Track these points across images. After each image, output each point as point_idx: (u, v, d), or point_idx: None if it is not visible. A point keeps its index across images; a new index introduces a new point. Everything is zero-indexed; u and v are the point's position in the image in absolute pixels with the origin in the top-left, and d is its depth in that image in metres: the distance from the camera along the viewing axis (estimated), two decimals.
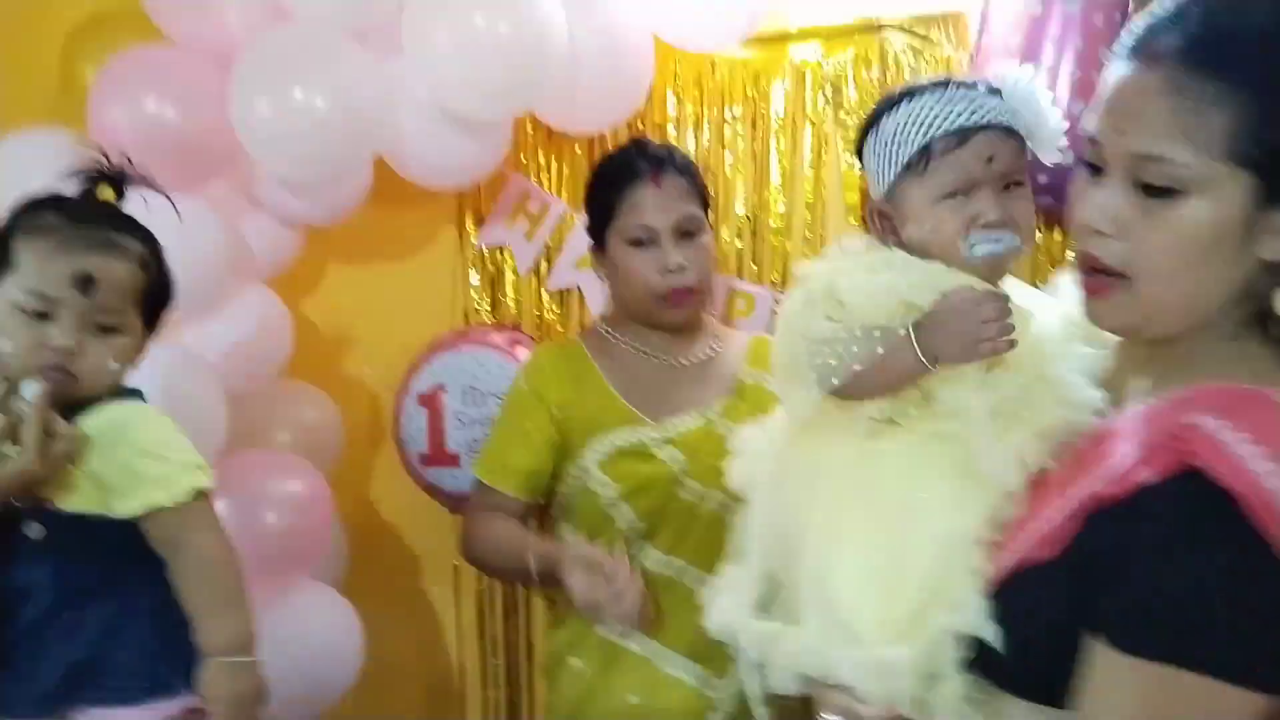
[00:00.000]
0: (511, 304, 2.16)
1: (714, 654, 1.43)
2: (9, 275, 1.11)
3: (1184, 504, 0.74)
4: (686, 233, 1.53)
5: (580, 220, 2.01)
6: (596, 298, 2.06)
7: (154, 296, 1.20)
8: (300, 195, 1.82)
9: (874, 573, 0.94)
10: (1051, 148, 1.05)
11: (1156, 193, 0.81)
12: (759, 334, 1.69)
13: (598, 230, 1.58)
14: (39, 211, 1.15)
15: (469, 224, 2.16)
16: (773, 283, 2.02)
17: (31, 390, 1.06)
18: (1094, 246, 0.86)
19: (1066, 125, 1.05)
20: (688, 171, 1.57)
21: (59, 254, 1.11)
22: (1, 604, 1.10)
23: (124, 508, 1.13)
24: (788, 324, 1.06)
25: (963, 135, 1.00)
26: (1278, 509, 0.71)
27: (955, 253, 1.01)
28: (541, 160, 2.12)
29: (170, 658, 1.14)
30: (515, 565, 1.50)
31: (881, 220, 1.07)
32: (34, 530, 1.11)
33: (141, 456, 1.14)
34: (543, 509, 1.70)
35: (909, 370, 0.95)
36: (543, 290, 2.14)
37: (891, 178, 1.04)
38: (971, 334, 0.92)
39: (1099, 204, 0.85)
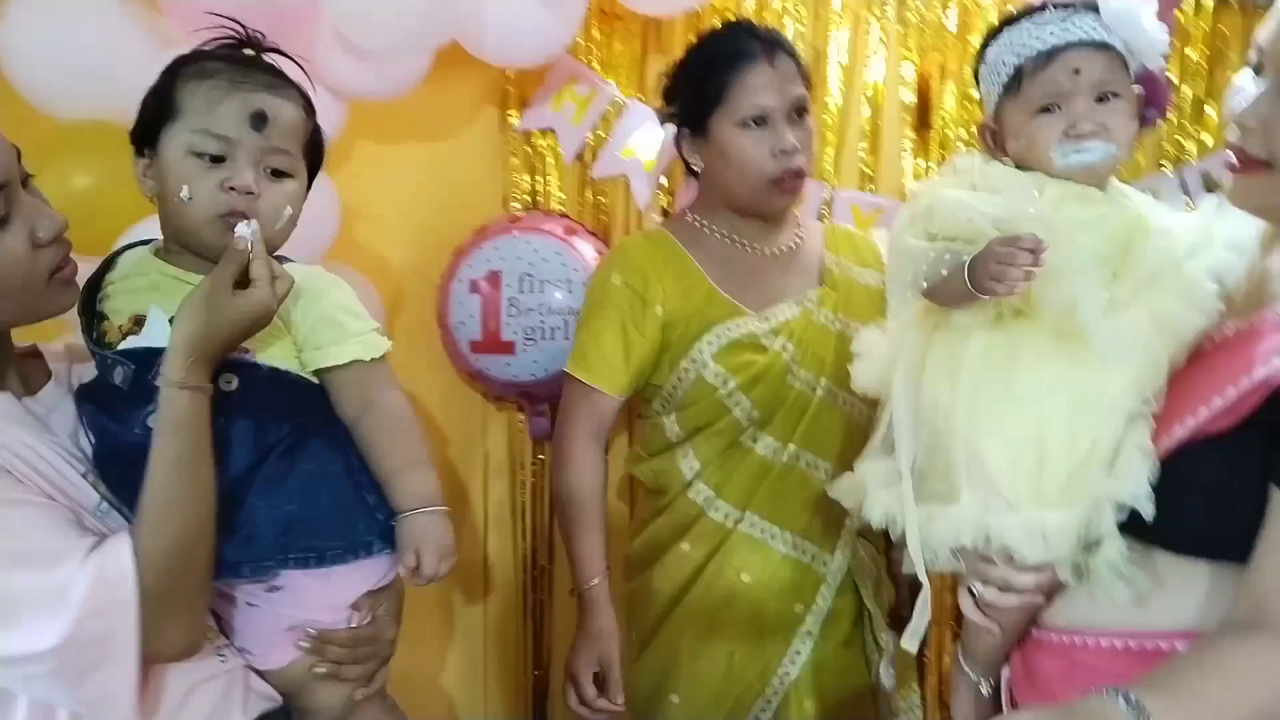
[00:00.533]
0: (555, 191, 2.12)
1: (824, 532, 1.53)
2: (178, 123, 1.05)
3: None
4: (798, 113, 1.51)
5: (630, 105, 2.00)
6: (643, 188, 2.05)
7: (314, 147, 1.15)
8: (367, 65, 1.74)
9: (1025, 446, 1.02)
10: (1153, 58, 1.14)
11: None
12: (833, 222, 1.72)
13: (698, 113, 1.53)
14: (199, 59, 1.09)
15: (512, 107, 2.11)
16: (822, 177, 2.03)
17: (250, 229, 1.02)
18: (1242, 139, 0.97)
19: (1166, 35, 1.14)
20: (794, 53, 1.55)
21: (232, 93, 1.05)
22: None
23: (323, 359, 1.11)
24: (892, 238, 1.16)
25: (1050, 54, 1.09)
26: None
27: (1050, 163, 1.10)
28: (597, 38, 2.07)
29: (365, 517, 1.12)
30: (573, 551, 1.54)
31: (990, 137, 1.18)
32: (230, 383, 1.06)
33: (340, 311, 1.12)
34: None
35: (963, 294, 1.04)
36: (587, 178, 2.11)
37: (995, 99, 1.15)
38: (991, 276, 1.00)
39: (1251, 103, 0.96)
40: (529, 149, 2.11)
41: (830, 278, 1.59)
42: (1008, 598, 1.05)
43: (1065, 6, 1.12)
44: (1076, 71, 1.09)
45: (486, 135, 2.13)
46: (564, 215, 2.10)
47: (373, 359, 1.12)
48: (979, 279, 1.01)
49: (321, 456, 1.11)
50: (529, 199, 2.12)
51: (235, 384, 1.06)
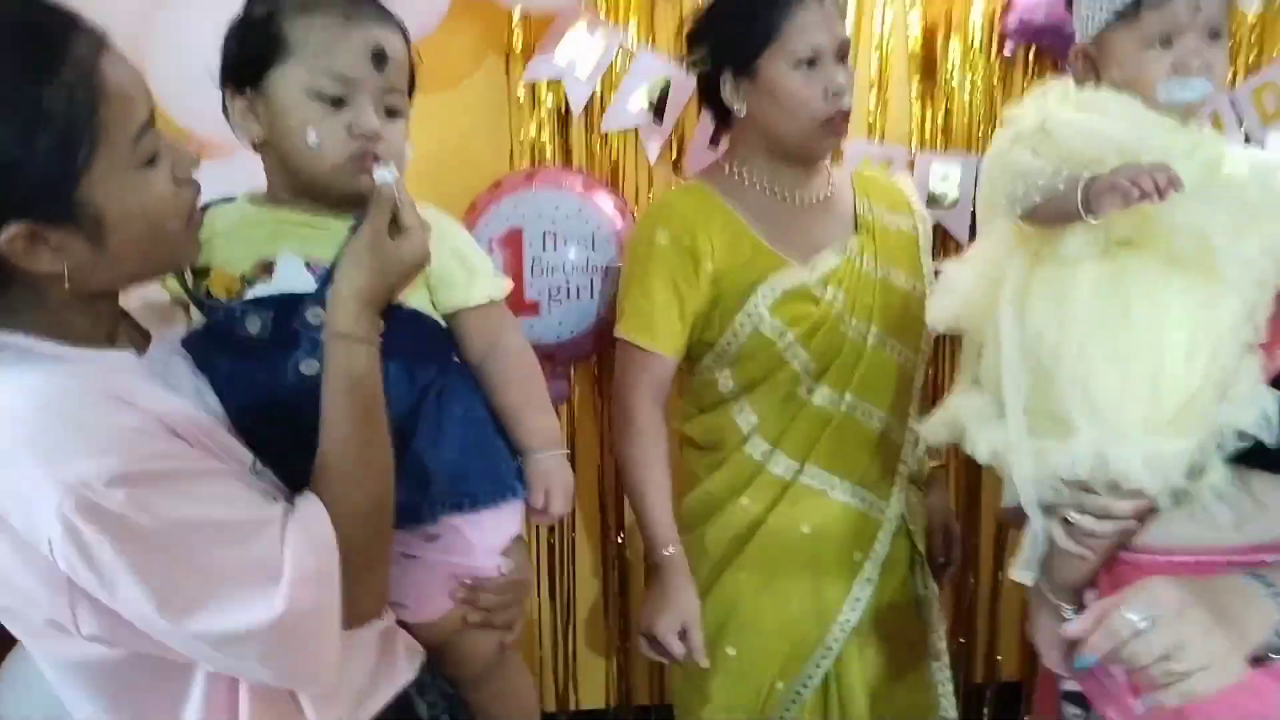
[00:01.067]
0: (570, 144, 2.08)
1: (880, 479, 1.56)
2: (290, 61, 0.99)
3: None
4: (844, 55, 1.49)
5: (644, 52, 1.96)
6: (653, 142, 2.04)
7: (413, 81, 1.11)
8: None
9: (1140, 376, 1.05)
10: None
11: None
12: (857, 168, 1.69)
13: (745, 53, 1.48)
14: None
15: (518, 56, 2.05)
16: None
17: (391, 174, 0.99)
18: None
19: None
20: None
21: (350, 29, 0.99)
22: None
23: (459, 300, 1.10)
24: (995, 158, 1.16)
25: None
26: None
27: (1153, 95, 1.12)
28: None
29: (506, 459, 1.12)
30: (646, 518, 1.54)
31: (1085, 62, 1.18)
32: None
33: (469, 249, 1.12)
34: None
35: (1070, 213, 1.04)
36: (596, 130, 2.08)
37: (1102, 23, 1.14)
38: (1111, 189, 1.00)
39: None
40: (535, 100, 2.07)
41: (865, 224, 1.58)
42: (1106, 524, 1.11)
43: None
44: (1197, 8, 1.10)
45: (492, 87, 2.07)
46: (580, 170, 2.07)
47: (498, 299, 1.13)
48: (1100, 200, 1.01)
49: (467, 399, 1.10)
50: (538, 153, 2.09)
51: (382, 328, 1.02)
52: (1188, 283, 1.05)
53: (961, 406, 1.21)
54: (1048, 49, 2.03)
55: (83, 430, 0.79)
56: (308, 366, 0.99)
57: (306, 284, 1.01)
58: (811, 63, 1.44)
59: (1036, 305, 1.11)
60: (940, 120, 2.11)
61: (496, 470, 1.11)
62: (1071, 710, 1.26)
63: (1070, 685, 1.25)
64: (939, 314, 1.26)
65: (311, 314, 1.00)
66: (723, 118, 1.59)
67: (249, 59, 1.01)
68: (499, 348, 1.13)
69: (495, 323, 1.14)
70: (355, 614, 0.92)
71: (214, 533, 0.82)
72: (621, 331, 1.56)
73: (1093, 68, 1.17)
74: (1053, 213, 1.08)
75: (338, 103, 1.00)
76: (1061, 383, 1.08)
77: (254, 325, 1.00)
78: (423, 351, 1.08)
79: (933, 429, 1.27)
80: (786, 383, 1.52)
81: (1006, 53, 2.06)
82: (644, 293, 1.53)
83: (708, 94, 1.58)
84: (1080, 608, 1.17)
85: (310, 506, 0.89)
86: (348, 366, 0.94)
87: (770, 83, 1.46)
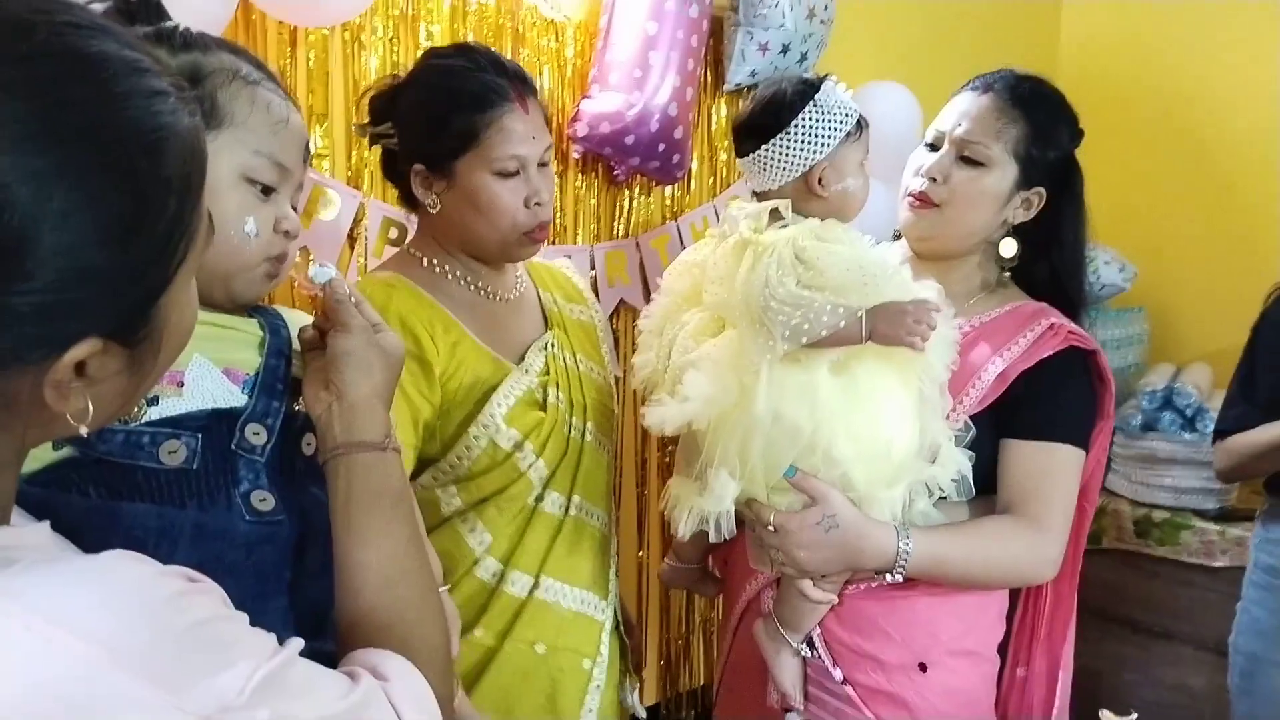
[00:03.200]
0: None
1: (601, 579, 1.53)
2: (222, 134, 0.85)
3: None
4: (545, 163, 1.44)
5: None
6: None
7: None
8: None
9: (868, 448, 1.29)
10: None
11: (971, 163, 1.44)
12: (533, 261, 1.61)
13: (441, 154, 1.39)
14: (228, 51, 0.88)
15: None
16: None
17: (333, 271, 0.90)
18: (927, 188, 1.45)
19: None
20: (537, 93, 1.46)
21: (291, 113, 0.90)
22: None
23: None
24: (761, 286, 1.24)
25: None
26: None
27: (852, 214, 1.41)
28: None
29: None
30: None
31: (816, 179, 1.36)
32: None
33: None
34: None
35: (853, 339, 1.27)
36: None
37: (831, 146, 1.34)
38: (910, 332, 1.23)
39: (936, 162, 1.45)
40: None
41: (554, 318, 1.55)
42: (845, 573, 1.36)
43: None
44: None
45: None
46: None
47: None
48: (892, 333, 1.22)
49: None
50: None
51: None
52: (900, 375, 1.31)
53: (719, 486, 1.31)
54: (607, 156, 2.31)
55: (190, 634, 0.57)
56: (261, 500, 0.81)
57: (231, 396, 0.83)
58: (515, 173, 1.39)
59: (789, 403, 1.27)
60: None
61: None
62: None
63: (795, 718, 1.45)
64: (675, 418, 1.32)
65: (252, 432, 0.82)
66: (411, 200, 1.49)
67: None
68: None
69: None
70: None
71: None
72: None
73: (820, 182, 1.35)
74: (831, 340, 1.23)
75: (267, 192, 0.88)
76: (814, 458, 1.28)
77: (174, 455, 0.79)
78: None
79: (695, 509, 1.34)
80: (521, 494, 1.44)
81: (575, 154, 2.31)
82: None
83: (392, 170, 1.49)
84: (809, 644, 1.42)
85: (398, 666, 0.72)
86: (387, 481, 0.81)
87: (470, 189, 1.39)
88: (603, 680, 1.51)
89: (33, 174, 0.53)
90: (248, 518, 0.81)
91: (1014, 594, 1.52)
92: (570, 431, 1.48)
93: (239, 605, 0.73)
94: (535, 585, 1.44)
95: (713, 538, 1.34)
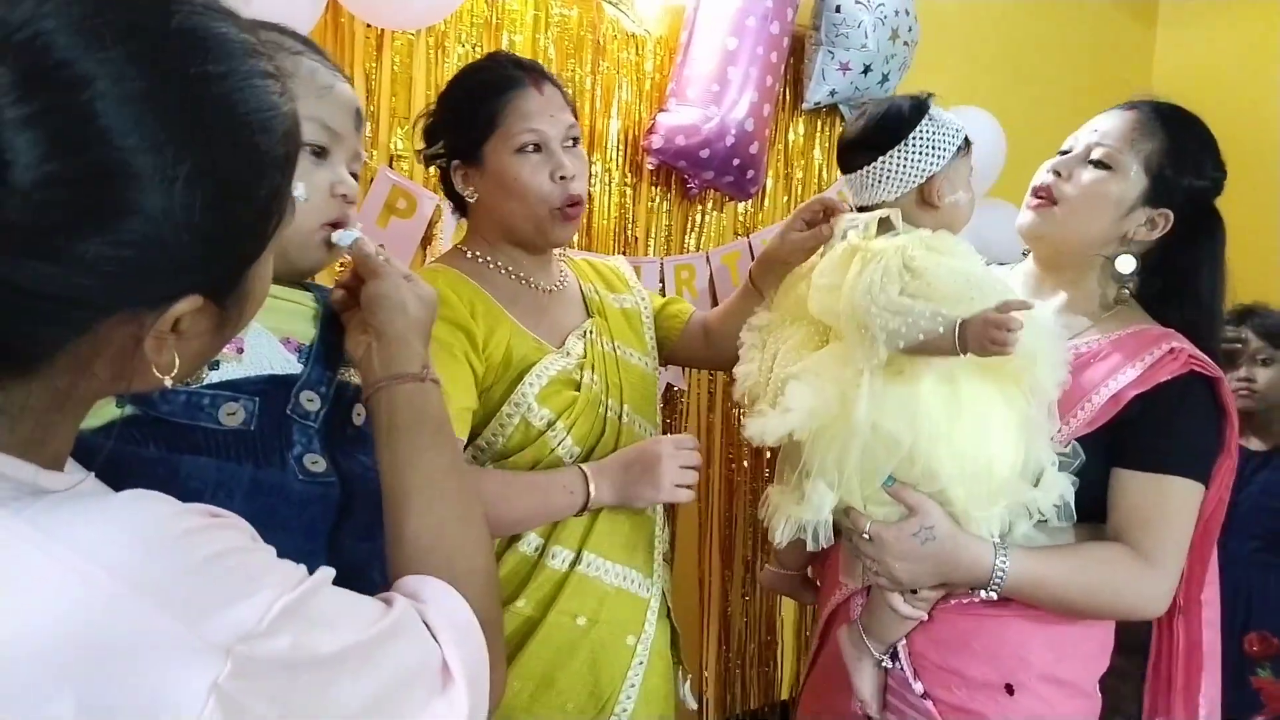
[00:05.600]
0: None
1: (645, 558, 1.55)
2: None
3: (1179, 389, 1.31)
4: (572, 141, 1.50)
5: None
6: None
7: None
8: None
9: (969, 466, 1.27)
10: None
11: (1098, 165, 1.40)
12: (575, 259, 1.72)
13: (470, 143, 1.47)
14: (270, 30, 0.91)
15: None
16: None
17: (358, 233, 0.92)
18: (1052, 182, 1.42)
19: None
20: (558, 83, 1.53)
21: (336, 79, 0.93)
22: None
23: None
24: (865, 292, 1.25)
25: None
26: None
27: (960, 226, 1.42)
28: None
29: None
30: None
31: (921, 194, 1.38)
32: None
33: None
34: None
35: (947, 348, 1.25)
36: None
37: (944, 161, 1.38)
38: (994, 339, 1.18)
39: (1064, 160, 1.43)
40: None
41: (595, 306, 1.60)
42: (938, 590, 1.33)
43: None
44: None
45: None
46: None
47: None
48: (977, 341, 1.18)
49: None
50: None
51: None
52: (1003, 390, 1.29)
53: (821, 498, 1.31)
54: (681, 170, 2.32)
55: (208, 566, 0.57)
56: (314, 462, 0.83)
57: (288, 364, 0.86)
58: (536, 148, 1.45)
59: (889, 414, 1.26)
60: (583, 223, 2.31)
61: None
62: None
63: None
64: (776, 429, 1.31)
65: (306, 399, 0.85)
66: (461, 207, 1.57)
67: None
68: None
69: None
70: (496, 694, 0.76)
71: (376, 652, 0.64)
72: None
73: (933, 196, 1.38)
74: (929, 348, 1.22)
75: (320, 154, 0.90)
76: (914, 470, 1.27)
77: (232, 416, 0.81)
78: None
79: (795, 518, 1.34)
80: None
81: (650, 166, 2.33)
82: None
83: (447, 185, 1.56)
84: (892, 655, 1.39)
85: (437, 589, 0.73)
86: (426, 409, 0.83)
87: (497, 170, 1.46)
88: (646, 658, 1.51)
89: (157, 142, 0.57)
90: (300, 477, 0.83)
91: (1147, 639, 1.46)
92: (606, 412, 1.51)
93: (296, 559, 0.75)
94: (577, 560, 1.46)
95: (810, 547, 1.33)
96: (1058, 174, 1.43)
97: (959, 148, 1.39)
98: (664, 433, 1.62)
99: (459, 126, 1.48)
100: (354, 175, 0.96)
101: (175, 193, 0.57)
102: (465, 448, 1.45)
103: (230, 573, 0.58)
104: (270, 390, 0.84)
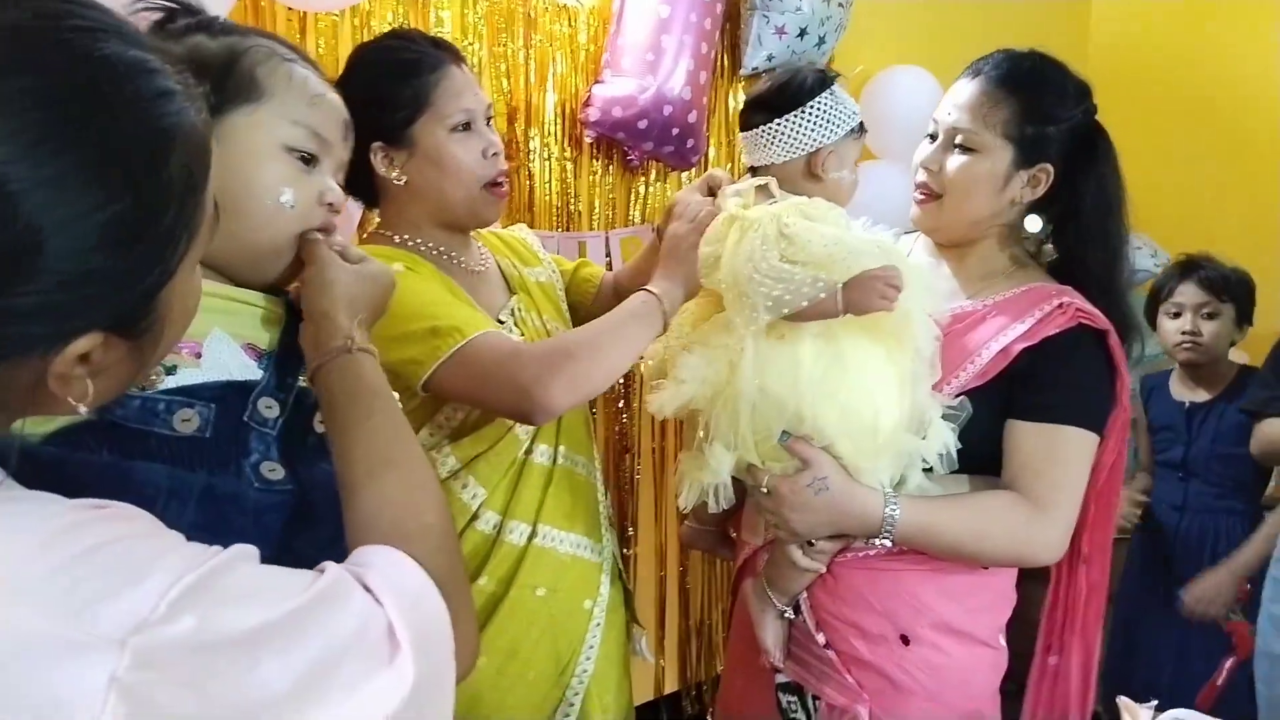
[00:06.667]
0: None
1: (593, 524, 1.58)
2: (262, 106, 0.89)
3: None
4: (489, 118, 1.51)
5: None
6: None
7: None
8: None
9: (854, 422, 1.30)
10: None
11: (963, 150, 1.42)
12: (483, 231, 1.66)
13: (398, 124, 1.43)
14: (265, 37, 0.92)
15: None
16: None
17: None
18: (927, 178, 1.44)
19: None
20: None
21: (326, 90, 0.93)
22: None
23: None
24: (747, 259, 1.27)
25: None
26: None
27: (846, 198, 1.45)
28: None
29: None
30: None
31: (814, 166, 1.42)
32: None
33: None
34: None
35: (830, 311, 1.29)
36: None
37: (842, 133, 1.42)
38: (882, 295, 1.25)
39: (931, 153, 1.43)
40: None
41: (517, 283, 1.61)
42: (836, 543, 1.36)
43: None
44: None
45: None
46: None
47: None
48: (864, 301, 1.24)
49: None
50: None
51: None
52: (884, 347, 1.32)
53: (720, 459, 1.34)
54: (621, 141, 2.31)
55: (86, 559, 0.55)
56: (271, 470, 0.81)
57: (247, 370, 0.85)
58: (466, 127, 1.45)
59: (773, 377, 1.29)
60: (524, 200, 2.29)
61: None
62: (786, 699, 1.48)
63: (783, 678, 1.46)
64: (672, 400, 1.34)
65: (265, 405, 0.84)
66: (368, 196, 1.52)
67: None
68: None
69: None
70: (463, 660, 0.72)
71: (303, 624, 0.60)
72: (447, 348, 1.32)
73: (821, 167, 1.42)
74: (811, 313, 1.26)
75: (309, 162, 0.90)
76: (804, 428, 1.29)
77: (187, 423, 0.80)
78: None
79: (703, 476, 1.36)
80: (509, 448, 1.49)
81: (589, 139, 2.31)
82: (427, 301, 1.37)
83: (350, 172, 1.52)
84: (796, 608, 1.43)
85: (380, 555, 0.70)
86: (360, 381, 0.83)
87: (430, 150, 1.44)
88: (603, 619, 1.55)
89: (42, 180, 0.55)
90: (257, 485, 0.82)
91: (1044, 583, 1.49)
92: None
93: None
94: (533, 533, 1.48)
95: (711, 508, 1.36)
96: (929, 169, 1.44)
97: (852, 129, 1.44)
98: (616, 409, 1.62)
99: (384, 106, 1.43)
100: (340, 186, 0.97)
101: (66, 234, 0.55)
102: (422, 426, 1.45)
103: (113, 563, 0.56)
104: (228, 396, 0.82)
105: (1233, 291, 2.37)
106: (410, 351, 1.31)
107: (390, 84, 1.43)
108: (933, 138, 1.45)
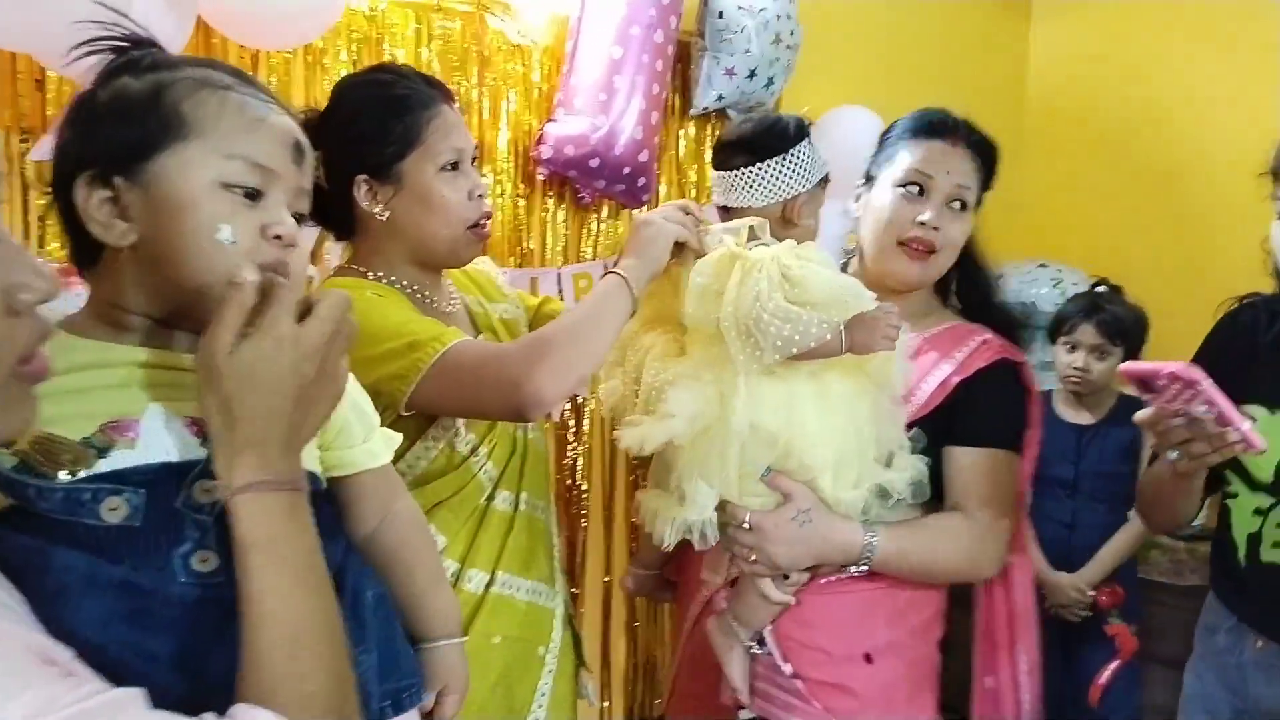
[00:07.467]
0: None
1: (548, 569, 1.56)
2: (191, 143, 0.79)
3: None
4: (475, 159, 1.49)
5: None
6: None
7: None
8: None
9: (839, 454, 1.35)
10: None
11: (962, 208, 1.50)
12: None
13: (387, 159, 1.41)
14: (199, 67, 0.83)
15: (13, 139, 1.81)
16: None
17: (254, 274, 0.82)
18: (922, 233, 1.48)
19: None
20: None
21: (268, 112, 0.83)
22: None
23: (359, 459, 0.93)
24: (754, 301, 1.28)
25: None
26: None
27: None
28: None
29: (410, 648, 0.96)
30: None
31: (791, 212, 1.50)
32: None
33: (360, 397, 0.94)
34: None
35: (834, 350, 1.32)
36: None
37: (807, 186, 1.50)
38: (885, 335, 1.30)
39: (933, 213, 1.48)
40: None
41: (484, 322, 1.58)
42: (804, 575, 1.40)
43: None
44: None
45: None
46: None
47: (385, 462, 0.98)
48: (868, 341, 1.29)
49: (374, 579, 0.92)
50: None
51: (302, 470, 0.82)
52: (865, 384, 1.37)
53: (701, 494, 1.35)
54: (573, 179, 2.33)
55: None
56: (203, 560, 0.76)
57: (187, 449, 0.78)
58: (454, 166, 1.43)
59: (767, 413, 1.32)
60: None
61: (410, 660, 0.96)
62: None
63: (746, 714, 1.47)
64: (657, 435, 1.32)
65: (201, 489, 0.77)
66: (343, 228, 1.49)
67: (126, 143, 0.78)
68: (393, 514, 0.99)
69: (392, 484, 1.01)
70: None
71: None
72: (429, 358, 1.29)
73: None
74: (815, 353, 1.29)
75: (252, 196, 0.81)
76: (790, 463, 1.34)
77: (114, 512, 0.74)
78: (324, 524, 0.82)
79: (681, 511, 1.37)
80: (472, 496, 1.46)
81: (541, 176, 2.32)
82: (402, 320, 1.34)
83: (326, 203, 1.41)
84: (760, 641, 1.44)
85: (249, 713, 0.66)
86: (285, 524, 0.74)
87: (418, 187, 1.41)
88: (555, 666, 1.54)
89: None
90: (182, 579, 0.76)
91: (972, 604, 1.56)
92: (516, 430, 1.52)
93: (178, 660, 0.71)
94: (491, 581, 1.47)
95: (698, 546, 1.37)
96: (932, 226, 1.47)
97: (822, 178, 1.52)
98: (565, 448, 1.61)
99: (373, 140, 1.41)
100: (299, 215, 0.86)
101: None
102: (400, 459, 1.39)
103: None
104: (161, 481, 0.77)
105: (1126, 335, 2.50)
106: (391, 368, 1.28)
107: (381, 118, 1.41)
108: (920, 191, 1.48)
